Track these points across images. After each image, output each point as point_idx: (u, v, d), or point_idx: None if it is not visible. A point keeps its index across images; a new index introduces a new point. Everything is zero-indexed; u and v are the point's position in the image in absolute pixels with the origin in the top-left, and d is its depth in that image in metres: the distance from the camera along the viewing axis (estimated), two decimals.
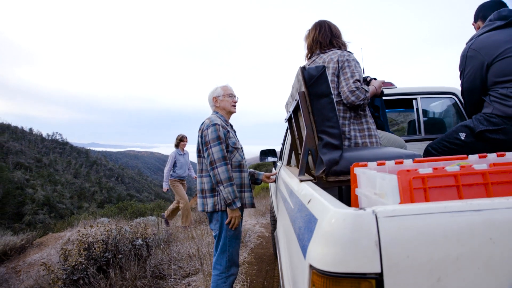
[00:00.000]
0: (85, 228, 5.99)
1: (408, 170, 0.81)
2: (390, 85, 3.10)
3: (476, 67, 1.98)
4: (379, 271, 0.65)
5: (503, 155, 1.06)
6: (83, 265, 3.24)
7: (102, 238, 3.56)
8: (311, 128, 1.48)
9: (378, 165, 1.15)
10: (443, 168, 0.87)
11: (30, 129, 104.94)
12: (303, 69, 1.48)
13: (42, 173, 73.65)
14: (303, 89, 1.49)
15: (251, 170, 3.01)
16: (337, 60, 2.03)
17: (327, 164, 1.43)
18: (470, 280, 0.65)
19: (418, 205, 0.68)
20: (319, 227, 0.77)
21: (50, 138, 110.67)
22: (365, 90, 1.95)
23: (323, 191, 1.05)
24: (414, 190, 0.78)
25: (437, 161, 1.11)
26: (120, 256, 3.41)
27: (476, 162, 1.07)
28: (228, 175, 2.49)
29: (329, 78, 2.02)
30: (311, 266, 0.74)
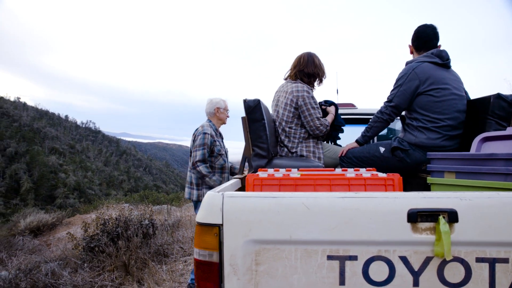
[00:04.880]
0: (107, 208, 6.85)
1: (257, 174, 1.47)
2: (352, 106, 3.68)
3: (412, 89, 2.33)
4: (221, 222, 1.32)
5: (344, 170, 1.70)
6: (99, 236, 4.06)
7: (116, 216, 4.37)
8: (248, 142, 2.16)
9: (274, 171, 1.80)
10: (288, 174, 1.53)
11: (66, 116, 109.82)
12: (244, 101, 2.15)
13: (74, 159, 77.08)
14: (244, 115, 2.17)
15: (231, 162, 3.69)
16: (296, 95, 2.63)
17: (255, 168, 2.09)
18: (269, 230, 1.29)
19: (243, 193, 1.34)
20: (202, 201, 1.44)
21: (84, 126, 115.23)
22: (326, 124, 2.62)
23: (230, 182, 1.72)
24: (254, 185, 1.45)
25: (310, 171, 1.76)
26: (129, 232, 4.19)
27: (313, 173, 1.71)
28: (209, 170, 3.18)
29: (286, 107, 2.65)
30: (196, 220, 1.42)
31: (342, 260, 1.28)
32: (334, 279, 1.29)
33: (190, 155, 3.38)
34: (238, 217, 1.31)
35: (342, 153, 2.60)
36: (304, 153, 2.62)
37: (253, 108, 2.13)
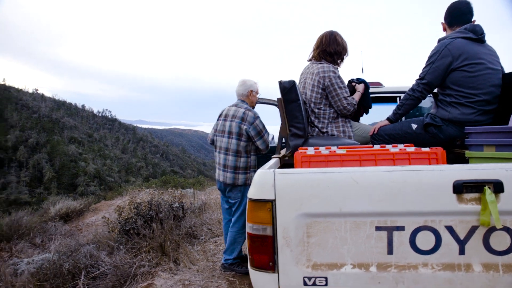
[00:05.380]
0: (138, 192, 7.05)
1: (304, 151, 1.54)
2: (378, 84, 3.68)
3: (444, 66, 2.32)
4: (273, 198, 1.39)
5: (383, 147, 1.74)
6: (133, 219, 4.24)
7: (148, 200, 4.55)
8: (284, 123, 2.22)
9: (315, 149, 1.86)
10: (334, 151, 1.59)
11: (83, 106, 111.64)
12: (279, 82, 2.21)
13: (93, 148, 78.61)
14: (280, 96, 2.22)
15: None
16: (322, 76, 2.65)
17: (293, 147, 2.16)
18: (319, 204, 1.37)
19: (294, 169, 1.41)
20: (253, 178, 1.52)
21: (100, 114, 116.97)
22: (354, 103, 2.64)
23: (271, 162, 1.79)
24: (302, 162, 1.51)
25: (349, 148, 1.81)
26: (161, 214, 4.35)
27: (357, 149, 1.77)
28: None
29: (314, 88, 2.68)
30: (248, 197, 1.50)
31: (390, 230, 1.35)
32: (382, 248, 1.36)
33: (238, 139, 3.27)
34: (289, 193, 1.38)
35: (373, 131, 2.64)
36: (335, 133, 2.67)
37: (288, 89, 2.18)
